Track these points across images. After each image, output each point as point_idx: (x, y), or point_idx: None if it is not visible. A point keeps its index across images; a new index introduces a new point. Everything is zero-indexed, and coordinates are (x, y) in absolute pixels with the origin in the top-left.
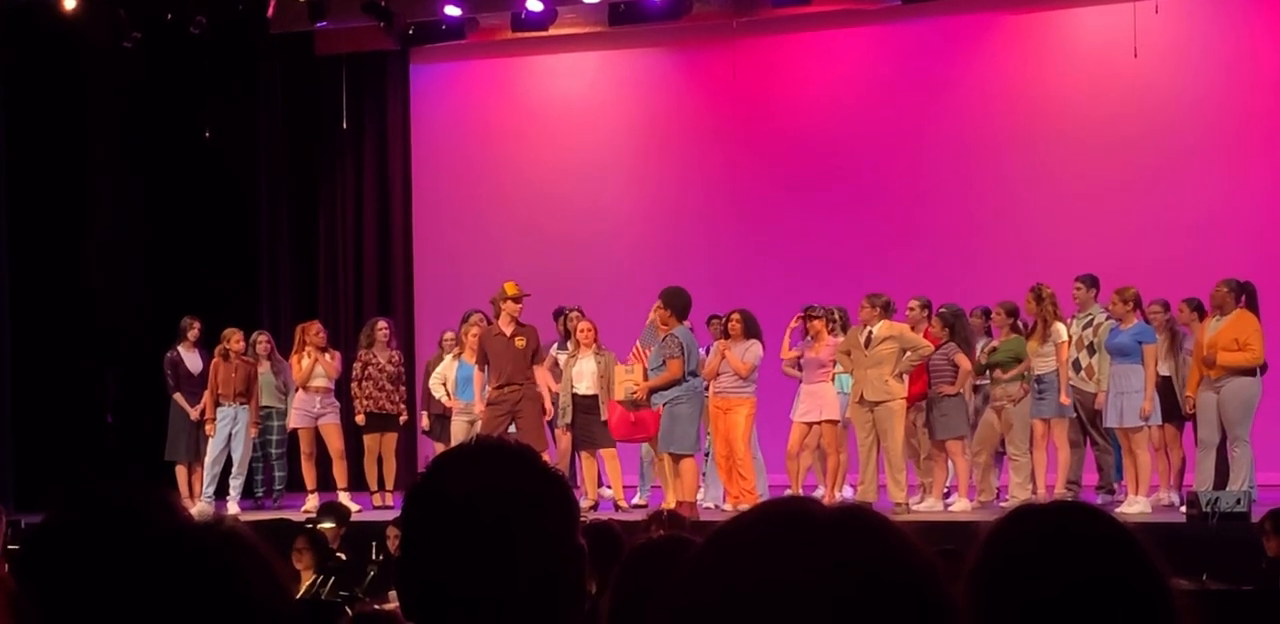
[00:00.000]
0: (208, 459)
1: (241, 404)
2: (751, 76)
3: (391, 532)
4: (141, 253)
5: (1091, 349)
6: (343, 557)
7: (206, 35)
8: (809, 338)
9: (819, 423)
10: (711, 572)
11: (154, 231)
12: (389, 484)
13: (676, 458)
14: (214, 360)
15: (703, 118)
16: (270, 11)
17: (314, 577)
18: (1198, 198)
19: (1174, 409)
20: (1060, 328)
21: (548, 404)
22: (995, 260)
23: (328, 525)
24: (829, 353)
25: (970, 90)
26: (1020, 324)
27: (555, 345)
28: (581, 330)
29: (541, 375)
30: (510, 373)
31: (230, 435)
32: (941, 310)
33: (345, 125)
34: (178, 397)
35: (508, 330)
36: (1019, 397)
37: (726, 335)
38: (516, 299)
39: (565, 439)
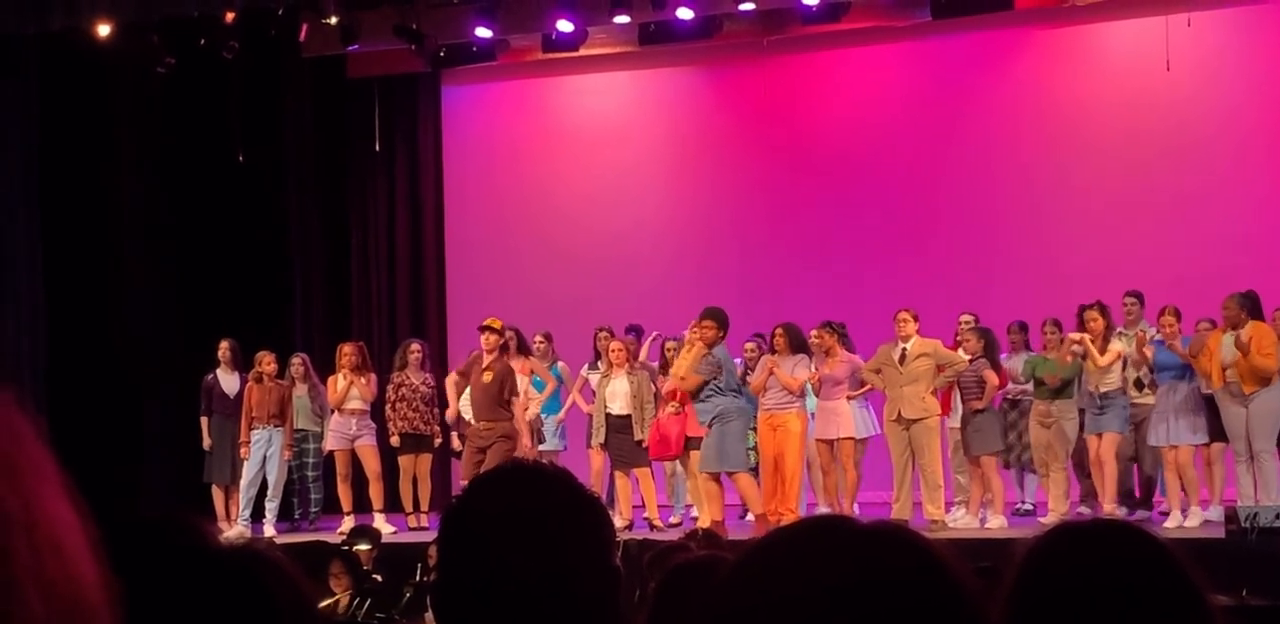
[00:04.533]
0: (243, 482)
1: (276, 427)
2: (782, 95)
3: (433, 552)
4: (174, 275)
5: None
6: (378, 578)
7: (239, 60)
8: (823, 354)
9: (838, 440)
10: (749, 581)
11: (187, 254)
12: (423, 505)
13: (730, 475)
14: (248, 384)
15: (734, 136)
16: (302, 35)
17: (350, 599)
18: (1230, 211)
19: (1220, 428)
20: (1118, 342)
21: (525, 439)
22: (1027, 274)
23: (363, 547)
24: (844, 369)
25: (1001, 105)
26: (1065, 339)
27: (587, 365)
28: (614, 350)
29: (519, 408)
30: (481, 409)
31: (265, 458)
32: (976, 326)
33: (378, 147)
34: (204, 421)
35: (484, 363)
36: (1071, 414)
37: (773, 351)
38: (481, 330)
39: (599, 459)
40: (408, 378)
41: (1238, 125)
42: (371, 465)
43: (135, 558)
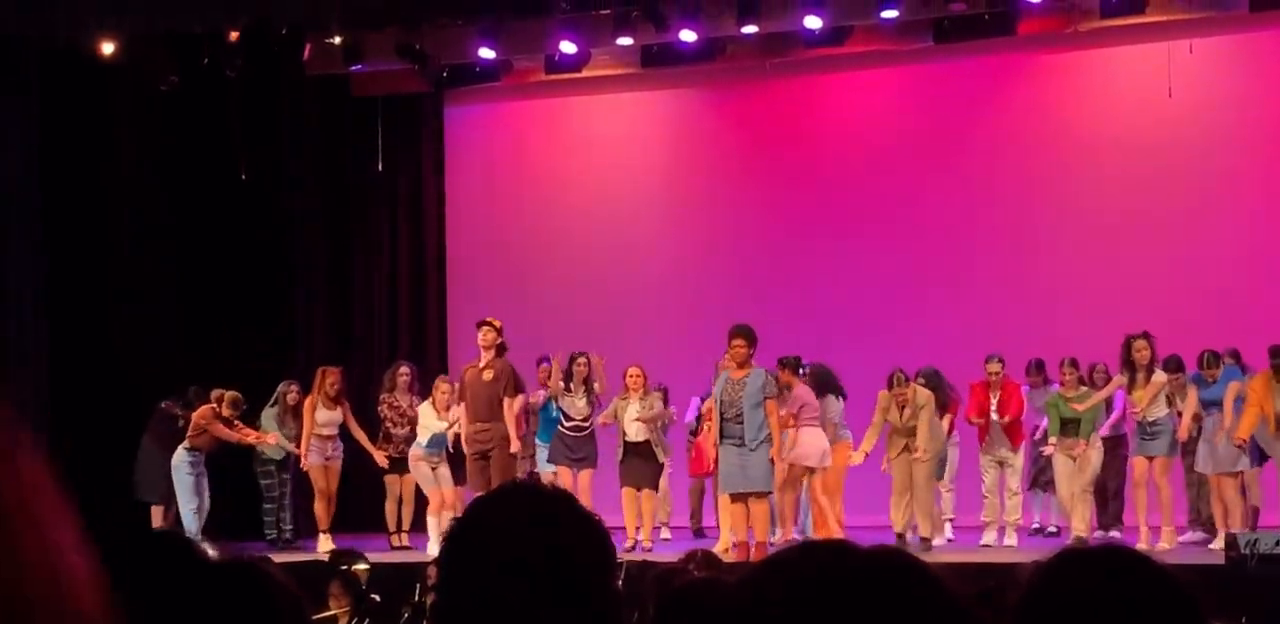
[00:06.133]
0: (191, 507)
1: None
2: (785, 118)
3: (432, 571)
4: (176, 294)
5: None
6: (377, 598)
7: (243, 78)
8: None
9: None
10: (753, 603)
11: (189, 272)
12: (406, 525)
13: (756, 497)
14: (206, 413)
15: (736, 159)
16: (306, 54)
17: (350, 619)
18: (1235, 234)
19: (1261, 452)
20: (1161, 373)
21: (514, 438)
22: (1028, 298)
23: (361, 567)
24: (798, 404)
25: (1004, 130)
26: (1084, 376)
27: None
28: (631, 376)
29: (509, 407)
30: (479, 409)
31: (199, 481)
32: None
33: (381, 167)
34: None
35: (482, 363)
36: (1097, 444)
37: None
38: (479, 325)
39: (567, 478)
40: (396, 400)
41: (1241, 151)
42: (333, 485)
43: (142, 566)
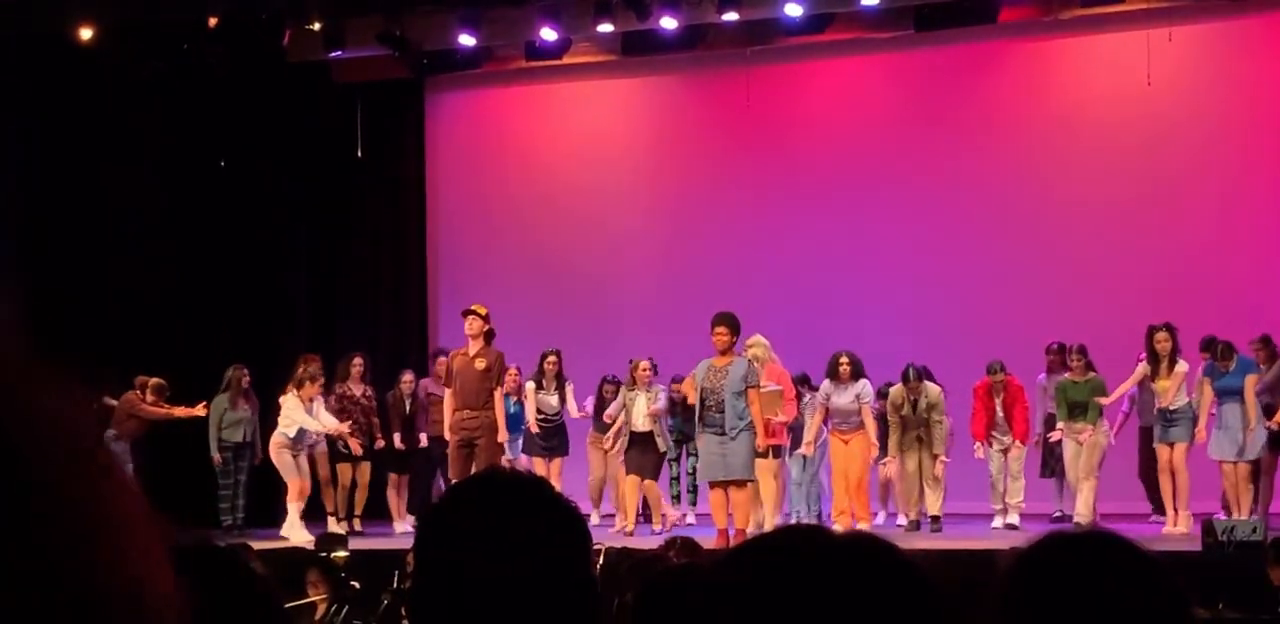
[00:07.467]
0: None
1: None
2: (765, 105)
3: (412, 558)
4: (156, 280)
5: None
6: (356, 585)
7: (223, 64)
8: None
9: None
10: (728, 588)
11: (166, 259)
12: (358, 510)
13: (739, 485)
14: (131, 399)
15: (718, 146)
16: (286, 40)
17: (329, 606)
18: (1212, 221)
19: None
20: (1184, 363)
21: (501, 427)
22: (1006, 283)
23: (340, 554)
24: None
25: (984, 118)
26: (1091, 363)
27: (532, 383)
28: (643, 369)
29: (499, 396)
30: (468, 397)
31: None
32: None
33: (361, 154)
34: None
35: (472, 351)
36: (1103, 428)
37: (836, 377)
38: (465, 314)
39: (541, 468)
40: (349, 390)
41: (1218, 138)
42: (323, 472)
43: None
